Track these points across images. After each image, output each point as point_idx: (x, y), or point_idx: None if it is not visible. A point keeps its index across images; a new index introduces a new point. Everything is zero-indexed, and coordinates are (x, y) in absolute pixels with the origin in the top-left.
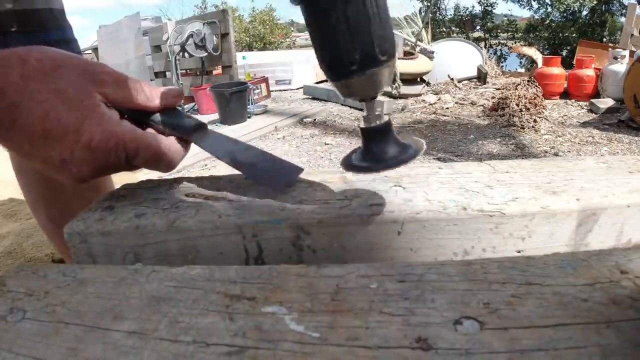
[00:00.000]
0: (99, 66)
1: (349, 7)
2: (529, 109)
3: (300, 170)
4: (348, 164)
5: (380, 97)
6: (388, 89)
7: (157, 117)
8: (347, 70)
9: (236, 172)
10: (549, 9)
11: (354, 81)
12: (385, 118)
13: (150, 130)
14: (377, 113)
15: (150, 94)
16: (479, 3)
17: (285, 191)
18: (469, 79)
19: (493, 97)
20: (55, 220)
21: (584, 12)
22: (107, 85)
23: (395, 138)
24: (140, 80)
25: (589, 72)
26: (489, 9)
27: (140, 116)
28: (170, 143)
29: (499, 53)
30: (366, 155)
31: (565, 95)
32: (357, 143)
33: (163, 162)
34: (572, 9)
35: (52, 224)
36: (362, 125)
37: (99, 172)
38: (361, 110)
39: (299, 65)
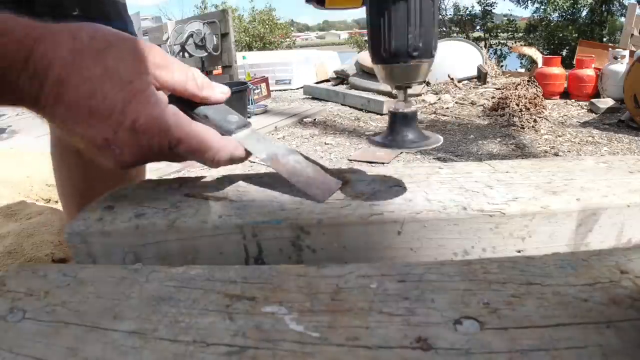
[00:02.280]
0: (153, 48)
1: (421, 5)
2: (529, 109)
3: (340, 183)
4: (372, 140)
5: (380, 97)
6: (388, 88)
7: (202, 110)
8: (406, 56)
9: (236, 172)
10: (547, 9)
11: (407, 66)
12: (413, 108)
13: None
14: (408, 101)
15: (201, 84)
16: (478, 3)
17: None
18: (469, 79)
19: (493, 97)
20: None
21: (584, 12)
22: (159, 67)
23: (417, 127)
24: (193, 67)
25: (589, 72)
26: (489, 8)
27: (186, 105)
28: (217, 138)
29: (499, 53)
30: (389, 136)
31: (565, 95)
32: (357, 143)
33: (207, 155)
34: (565, 9)
35: None
36: (392, 109)
37: (141, 156)
38: (361, 109)
39: (299, 65)
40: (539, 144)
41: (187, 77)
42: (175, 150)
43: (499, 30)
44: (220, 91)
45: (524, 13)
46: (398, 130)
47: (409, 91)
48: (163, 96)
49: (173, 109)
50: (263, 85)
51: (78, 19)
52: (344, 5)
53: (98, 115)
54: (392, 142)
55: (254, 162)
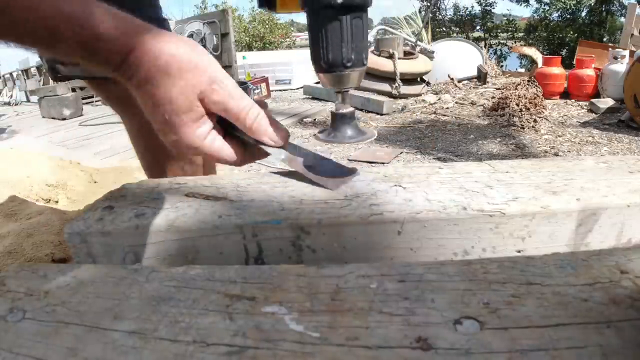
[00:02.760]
0: (220, 78)
1: (352, 22)
2: (529, 109)
3: (355, 172)
4: (318, 137)
5: (380, 97)
6: (388, 88)
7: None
8: (341, 66)
9: (236, 172)
10: (547, 8)
11: (343, 74)
12: (351, 108)
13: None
14: (345, 103)
15: (250, 126)
16: (478, 3)
17: (338, 187)
18: (469, 79)
19: (493, 97)
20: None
21: (583, 12)
22: (219, 102)
23: (355, 124)
24: (255, 105)
25: (589, 72)
26: (488, 8)
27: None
28: (239, 158)
29: (499, 53)
30: (332, 133)
31: (565, 95)
32: (355, 144)
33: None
34: (570, 8)
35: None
36: (334, 110)
37: (181, 154)
38: (361, 109)
39: (299, 65)
40: (539, 144)
41: (240, 116)
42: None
43: (499, 30)
44: (271, 138)
45: (524, 13)
46: (339, 127)
47: (410, 91)
48: (209, 125)
49: (212, 138)
50: (263, 85)
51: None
52: (291, 10)
53: (157, 120)
54: (334, 138)
55: (262, 164)
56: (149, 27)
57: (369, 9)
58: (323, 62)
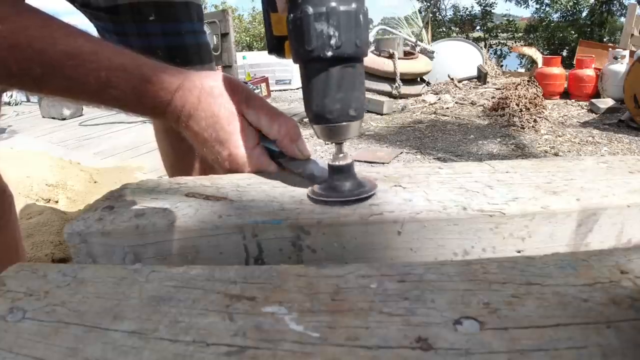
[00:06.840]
0: (252, 97)
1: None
2: (529, 109)
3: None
4: (313, 192)
5: (380, 97)
6: (388, 88)
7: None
8: (331, 119)
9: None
10: (547, 9)
11: (336, 127)
12: (349, 160)
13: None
14: (342, 155)
15: (284, 135)
16: (477, 3)
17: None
18: (469, 79)
19: (493, 97)
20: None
21: (584, 13)
22: (253, 114)
23: (354, 176)
24: (287, 118)
25: (589, 72)
26: (488, 9)
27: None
28: (273, 167)
29: (499, 53)
30: (328, 188)
31: (565, 95)
32: (357, 143)
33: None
34: (568, 9)
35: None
36: (331, 162)
37: (229, 171)
38: (366, 111)
39: None
40: (539, 144)
41: (272, 127)
42: None
43: (499, 31)
44: (298, 148)
45: (524, 13)
46: (336, 182)
47: (410, 91)
48: (254, 137)
49: (260, 151)
50: (263, 85)
51: (154, 23)
52: None
53: (208, 144)
54: (331, 194)
55: None
56: (190, 70)
57: (369, 8)
58: (309, 112)
